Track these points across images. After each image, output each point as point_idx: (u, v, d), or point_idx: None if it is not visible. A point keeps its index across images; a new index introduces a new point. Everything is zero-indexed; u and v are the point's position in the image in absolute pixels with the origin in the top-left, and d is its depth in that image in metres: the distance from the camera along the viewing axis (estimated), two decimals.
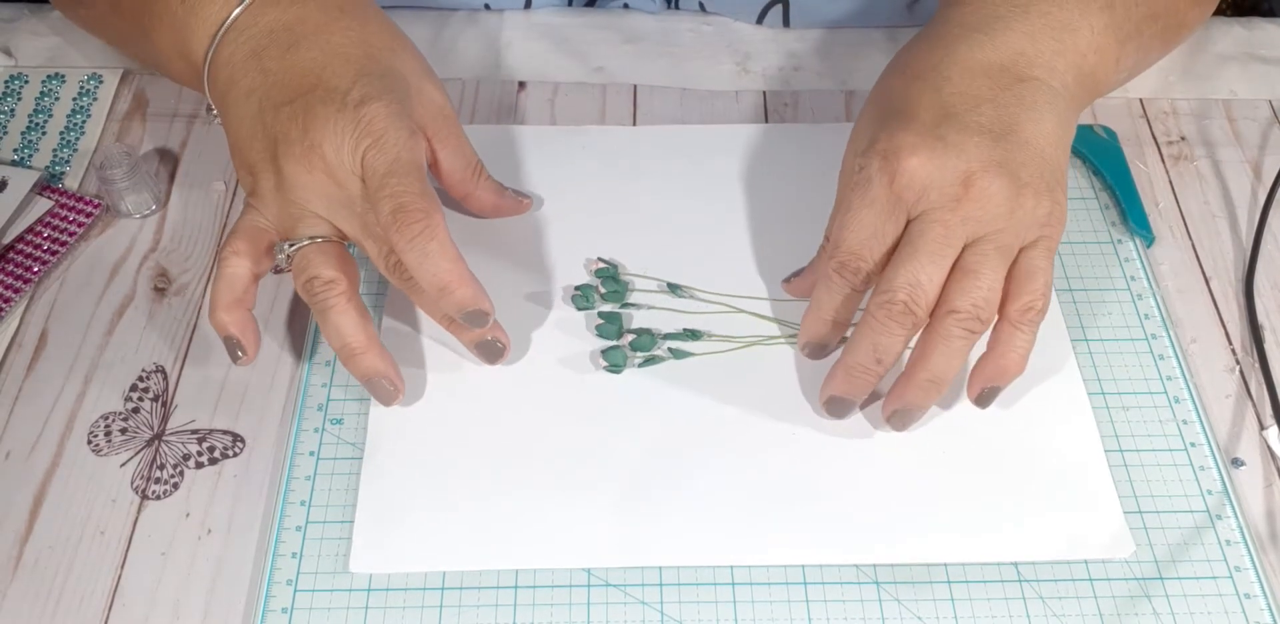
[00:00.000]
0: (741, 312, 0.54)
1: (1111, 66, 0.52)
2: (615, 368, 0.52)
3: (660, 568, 0.47)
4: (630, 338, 0.53)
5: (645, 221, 0.58)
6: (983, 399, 0.48)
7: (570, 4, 0.69)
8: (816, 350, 0.51)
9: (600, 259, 0.56)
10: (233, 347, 0.49)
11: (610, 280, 0.55)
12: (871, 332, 0.46)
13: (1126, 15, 0.52)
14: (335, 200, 0.49)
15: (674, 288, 0.55)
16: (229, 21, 0.51)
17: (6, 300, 0.55)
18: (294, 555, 0.47)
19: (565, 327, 0.54)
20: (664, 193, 0.59)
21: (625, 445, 0.50)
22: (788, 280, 0.54)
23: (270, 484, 0.49)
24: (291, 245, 0.49)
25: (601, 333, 0.53)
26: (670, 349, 0.53)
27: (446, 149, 0.52)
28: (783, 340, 0.53)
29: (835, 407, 0.49)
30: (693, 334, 0.53)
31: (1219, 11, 0.84)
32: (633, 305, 0.54)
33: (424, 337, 0.53)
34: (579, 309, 0.54)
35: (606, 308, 0.54)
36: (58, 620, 0.46)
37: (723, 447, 0.50)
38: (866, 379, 0.48)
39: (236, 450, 0.50)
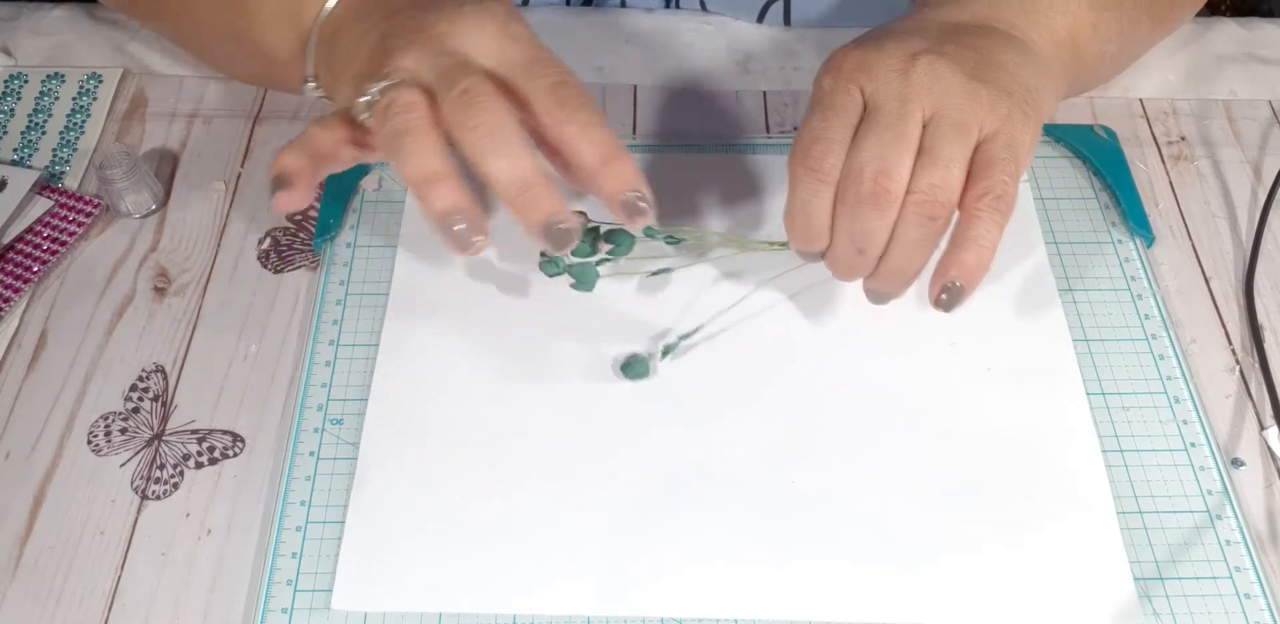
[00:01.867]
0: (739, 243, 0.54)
1: (1088, 32, 0.51)
2: (638, 375, 0.51)
3: (661, 620, 0.45)
4: (606, 248, 0.52)
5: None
6: (945, 301, 0.44)
7: (569, 3, 0.69)
8: (807, 256, 0.48)
9: (578, 211, 0.51)
10: (278, 183, 0.45)
11: (581, 247, 0.51)
12: (845, 219, 0.44)
13: None
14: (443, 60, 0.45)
15: (650, 233, 0.53)
16: None
17: (6, 300, 0.55)
18: (294, 555, 0.47)
19: (570, 358, 0.52)
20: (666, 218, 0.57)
21: (625, 489, 0.48)
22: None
23: (270, 484, 0.49)
24: (381, 84, 0.44)
25: (576, 252, 0.51)
26: (666, 238, 0.52)
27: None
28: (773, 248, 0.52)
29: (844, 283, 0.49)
30: (673, 240, 0.52)
31: (1219, 11, 0.84)
32: (607, 259, 0.52)
33: (421, 366, 0.52)
34: (549, 276, 0.52)
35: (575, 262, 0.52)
36: (58, 620, 0.46)
37: (723, 492, 0.48)
38: (855, 268, 0.46)
39: (236, 450, 0.50)
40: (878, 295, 0.48)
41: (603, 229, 0.53)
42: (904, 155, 0.43)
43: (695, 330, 0.53)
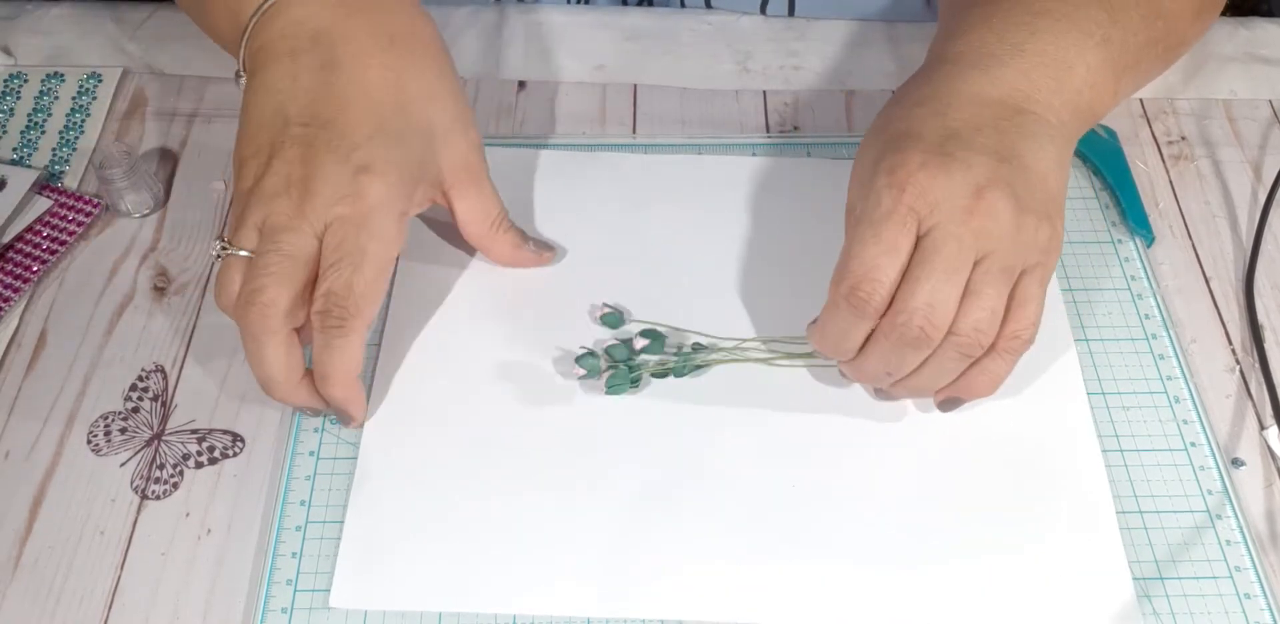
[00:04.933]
0: (752, 358, 0.53)
1: (1109, 99, 0.51)
2: (615, 389, 0.51)
3: (661, 621, 0.45)
4: (641, 351, 0.52)
5: (652, 258, 0.56)
6: (945, 405, 0.49)
7: (569, 1, 0.69)
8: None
9: (606, 304, 0.54)
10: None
11: (619, 347, 0.52)
12: (883, 352, 0.45)
13: (1124, 47, 0.50)
14: (283, 225, 0.47)
15: (697, 348, 0.53)
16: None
17: (6, 300, 0.55)
18: (294, 555, 0.47)
19: (567, 363, 0.52)
20: (672, 228, 0.57)
21: (625, 490, 0.48)
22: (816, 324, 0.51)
23: (270, 484, 0.49)
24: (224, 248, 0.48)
25: (611, 384, 0.51)
26: (680, 353, 0.52)
27: (464, 202, 0.52)
28: (790, 361, 0.52)
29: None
30: (699, 347, 0.53)
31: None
32: (642, 364, 0.52)
33: (422, 365, 0.52)
34: (585, 370, 0.52)
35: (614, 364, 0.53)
36: (58, 620, 0.46)
37: (723, 494, 0.48)
38: (877, 382, 0.48)
39: (236, 450, 0.50)
40: (884, 396, 0.50)
41: (637, 331, 0.53)
42: (954, 300, 0.44)
43: (694, 361, 0.53)
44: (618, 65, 0.66)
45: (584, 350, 0.52)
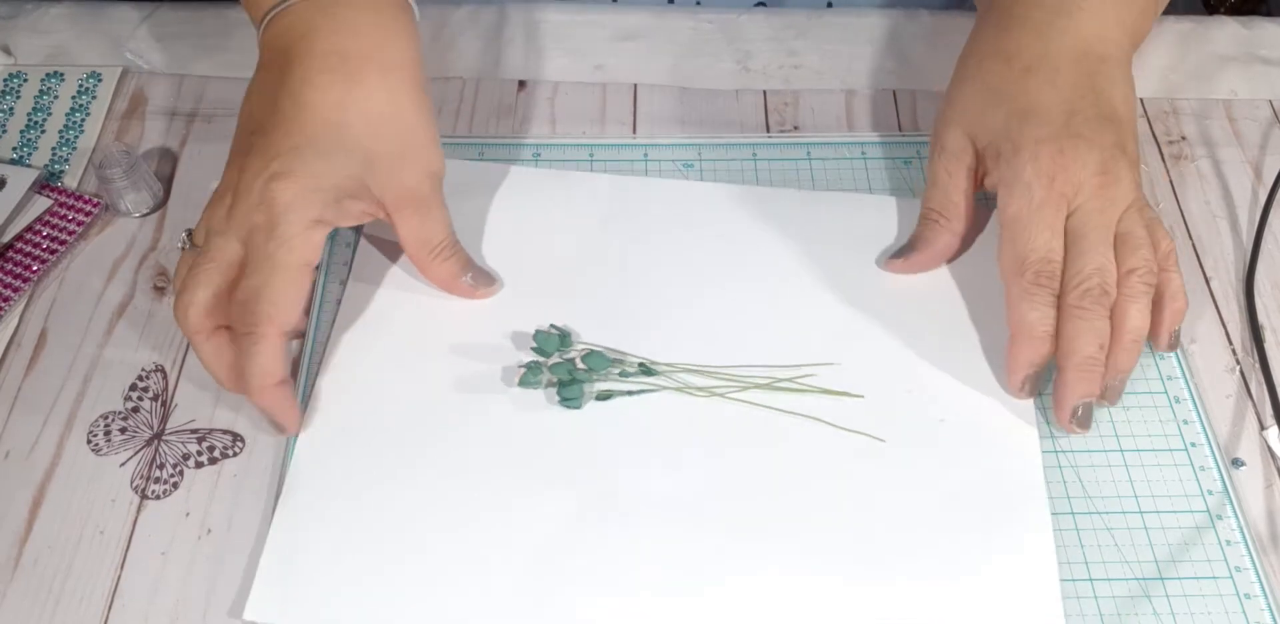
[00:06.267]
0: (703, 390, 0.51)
1: (1152, 18, 0.57)
2: (571, 402, 0.50)
3: None
4: (580, 370, 0.51)
5: (610, 282, 0.55)
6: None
7: None
8: (1036, 379, 0.50)
9: (553, 326, 0.53)
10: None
11: (561, 365, 0.51)
12: (1085, 322, 0.49)
13: None
14: (217, 229, 0.49)
15: (644, 370, 0.52)
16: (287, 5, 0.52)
17: (5, 299, 0.55)
18: None
19: (508, 383, 0.51)
20: (635, 252, 0.56)
21: (556, 514, 0.47)
22: (900, 256, 0.55)
23: (270, 484, 0.49)
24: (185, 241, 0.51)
25: (565, 396, 0.50)
26: (620, 372, 0.51)
27: (406, 226, 0.52)
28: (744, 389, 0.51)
29: (1084, 415, 0.49)
30: (646, 370, 0.51)
31: (1219, 11, 0.84)
32: (580, 378, 0.51)
33: (363, 381, 0.52)
34: (523, 385, 0.51)
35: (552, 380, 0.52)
36: (57, 620, 0.46)
37: (653, 531, 0.47)
38: (1098, 370, 0.49)
39: (236, 450, 0.50)
40: (1117, 387, 0.50)
41: (579, 351, 0.52)
42: (1113, 254, 0.50)
43: (639, 388, 0.52)
44: (617, 65, 0.66)
45: (528, 364, 0.51)
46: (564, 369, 0.51)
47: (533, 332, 0.53)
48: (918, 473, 0.49)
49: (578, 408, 0.50)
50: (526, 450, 0.49)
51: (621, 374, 0.52)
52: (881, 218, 0.58)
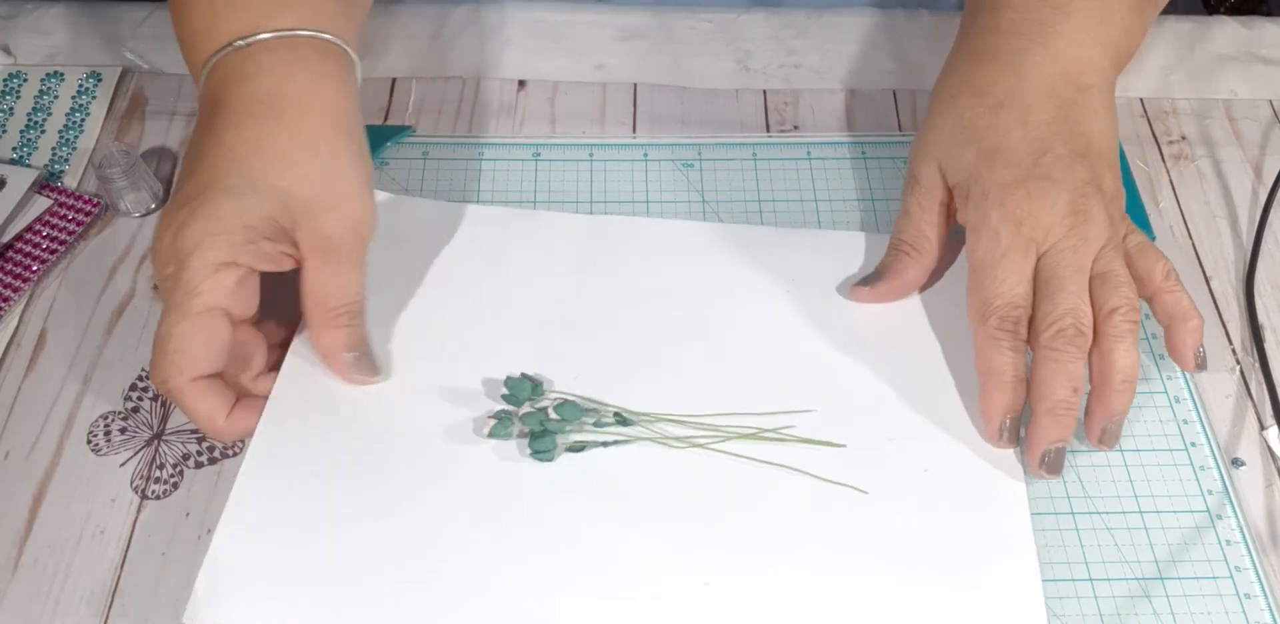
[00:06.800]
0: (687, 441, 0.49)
1: (1137, 39, 0.56)
2: (543, 454, 0.48)
3: None
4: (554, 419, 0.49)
5: (587, 333, 0.53)
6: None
7: None
8: (1014, 427, 0.48)
9: (524, 374, 0.50)
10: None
11: (533, 415, 0.49)
12: (1058, 364, 0.47)
13: None
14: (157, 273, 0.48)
15: (620, 420, 0.50)
16: (230, 47, 0.50)
17: (5, 299, 0.55)
18: None
19: (482, 430, 0.49)
20: (610, 296, 0.54)
21: (518, 560, 0.45)
22: (866, 284, 0.53)
23: None
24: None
25: (537, 449, 0.48)
26: (595, 423, 0.49)
27: (308, 281, 0.48)
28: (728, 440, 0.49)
29: (1053, 460, 0.47)
30: (622, 420, 0.49)
31: (1219, 11, 0.84)
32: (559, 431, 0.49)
33: (323, 411, 0.50)
34: (493, 437, 0.49)
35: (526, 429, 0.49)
36: (57, 620, 0.45)
37: (628, 574, 0.45)
38: (1071, 414, 0.47)
39: (236, 450, 0.50)
40: (1113, 430, 0.49)
41: (551, 399, 0.50)
42: (1086, 296, 0.49)
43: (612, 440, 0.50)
44: (617, 64, 0.66)
45: (497, 414, 0.49)
46: (535, 419, 0.49)
47: (504, 378, 0.50)
48: (902, 525, 0.47)
49: (550, 460, 0.48)
50: (495, 503, 0.47)
51: (596, 424, 0.50)
52: (853, 254, 0.56)
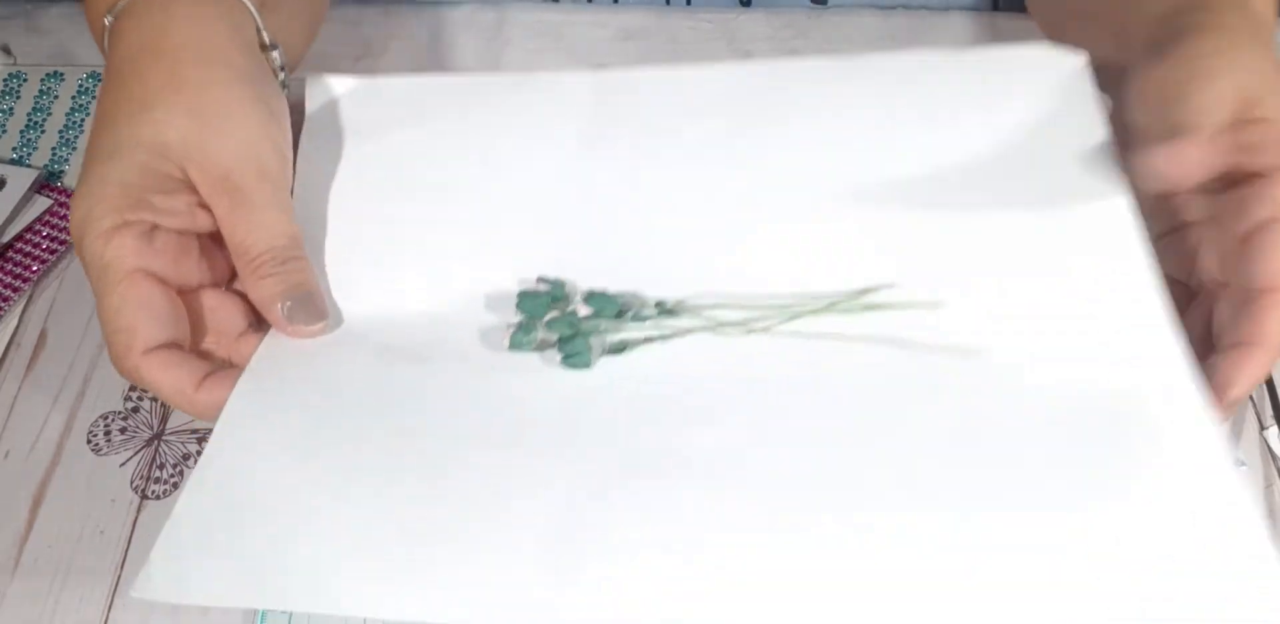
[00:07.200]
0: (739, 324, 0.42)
1: None
2: (576, 358, 0.40)
3: None
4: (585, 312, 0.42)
5: (609, 218, 0.45)
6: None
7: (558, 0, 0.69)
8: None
9: (541, 279, 0.43)
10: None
11: (561, 320, 0.42)
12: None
13: None
14: None
15: (662, 311, 0.42)
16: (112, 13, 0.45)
17: (5, 299, 0.55)
18: None
19: (493, 344, 0.42)
20: (633, 171, 0.46)
21: (554, 492, 0.37)
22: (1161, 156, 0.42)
23: None
24: None
25: (568, 354, 0.41)
26: (634, 316, 0.41)
27: (223, 227, 0.44)
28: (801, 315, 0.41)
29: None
30: (667, 310, 0.42)
31: None
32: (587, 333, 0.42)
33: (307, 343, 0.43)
34: (514, 348, 0.42)
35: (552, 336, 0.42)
36: (57, 620, 0.46)
37: (698, 497, 0.37)
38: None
39: None
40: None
41: (582, 290, 0.43)
42: None
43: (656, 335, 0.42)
44: (617, 64, 0.66)
45: (516, 323, 0.42)
46: (564, 323, 0.41)
47: (515, 292, 0.43)
48: (1030, 389, 0.39)
49: (586, 367, 0.40)
50: (516, 422, 0.39)
51: (635, 319, 0.42)
52: (936, 86, 0.46)
